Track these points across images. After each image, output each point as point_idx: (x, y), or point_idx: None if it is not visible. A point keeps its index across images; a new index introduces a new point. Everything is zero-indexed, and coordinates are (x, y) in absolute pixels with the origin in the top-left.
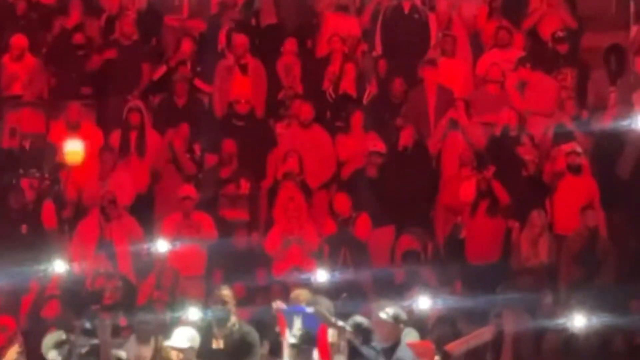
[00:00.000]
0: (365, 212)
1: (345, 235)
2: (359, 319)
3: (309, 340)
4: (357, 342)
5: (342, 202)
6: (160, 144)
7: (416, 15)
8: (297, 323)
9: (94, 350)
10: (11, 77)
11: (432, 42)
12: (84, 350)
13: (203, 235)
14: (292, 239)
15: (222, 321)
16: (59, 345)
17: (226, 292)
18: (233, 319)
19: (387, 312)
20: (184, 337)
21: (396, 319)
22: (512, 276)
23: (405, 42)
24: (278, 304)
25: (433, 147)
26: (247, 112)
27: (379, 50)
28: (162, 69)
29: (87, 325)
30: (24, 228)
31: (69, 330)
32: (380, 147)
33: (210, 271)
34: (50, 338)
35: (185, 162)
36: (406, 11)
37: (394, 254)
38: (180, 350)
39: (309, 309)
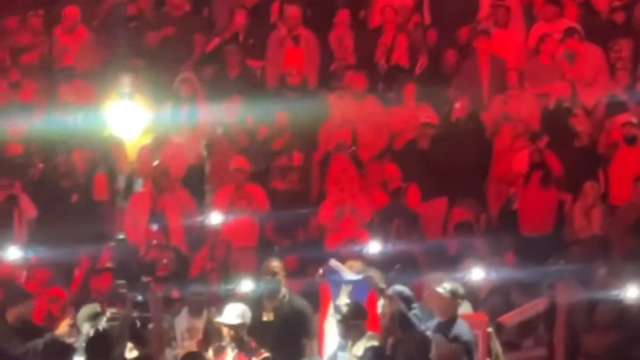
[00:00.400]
0: (414, 183)
1: (396, 206)
2: (399, 287)
3: (358, 314)
4: (405, 310)
5: (392, 172)
6: (212, 115)
7: None
8: (344, 295)
9: (145, 323)
10: (64, 49)
11: (484, 12)
12: (137, 323)
13: (255, 207)
14: (345, 209)
15: (272, 293)
16: (93, 317)
17: (276, 263)
18: (283, 290)
19: (444, 287)
20: (234, 314)
21: (453, 294)
22: (565, 247)
23: (454, 12)
24: (331, 265)
25: (489, 119)
26: (299, 84)
27: (428, 19)
28: (215, 41)
29: (139, 298)
30: (74, 199)
31: (121, 302)
32: (433, 118)
33: (262, 242)
34: (85, 310)
35: (237, 134)
36: None
37: (446, 226)
38: (231, 326)
39: (360, 276)
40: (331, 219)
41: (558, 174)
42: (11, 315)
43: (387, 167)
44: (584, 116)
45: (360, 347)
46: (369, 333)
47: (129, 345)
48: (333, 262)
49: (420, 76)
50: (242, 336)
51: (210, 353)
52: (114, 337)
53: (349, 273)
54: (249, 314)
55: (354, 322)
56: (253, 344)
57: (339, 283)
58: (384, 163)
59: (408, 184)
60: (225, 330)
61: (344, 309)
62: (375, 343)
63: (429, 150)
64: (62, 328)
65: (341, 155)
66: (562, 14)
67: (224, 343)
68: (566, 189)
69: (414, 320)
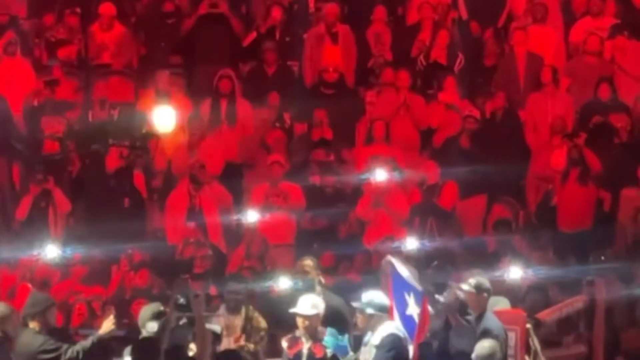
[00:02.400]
0: (452, 179)
1: (429, 204)
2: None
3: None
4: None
5: (431, 169)
6: (250, 113)
7: None
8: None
9: (189, 323)
10: (100, 47)
11: (522, 8)
12: (181, 322)
13: (291, 204)
14: (382, 200)
15: (306, 291)
16: (156, 316)
17: (307, 262)
18: (318, 288)
19: (469, 282)
20: (309, 304)
21: (478, 288)
22: (605, 244)
23: (489, 6)
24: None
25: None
26: (337, 81)
27: (464, 14)
28: (252, 35)
29: (182, 300)
30: (115, 198)
31: (160, 299)
32: (476, 112)
33: (300, 240)
34: (148, 309)
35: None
36: None
37: (486, 223)
38: (305, 317)
39: (420, 287)
40: (368, 210)
41: (597, 171)
42: (34, 325)
43: (426, 164)
44: (624, 113)
45: (377, 337)
46: (388, 321)
47: None
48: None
49: (459, 73)
50: (317, 326)
51: (284, 344)
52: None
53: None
54: (322, 305)
55: (375, 313)
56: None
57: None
58: (422, 160)
59: (445, 182)
60: (299, 321)
61: (364, 298)
62: (393, 330)
63: (469, 147)
64: (106, 327)
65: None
66: (604, 10)
67: (297, 334)
68: (605, 186)
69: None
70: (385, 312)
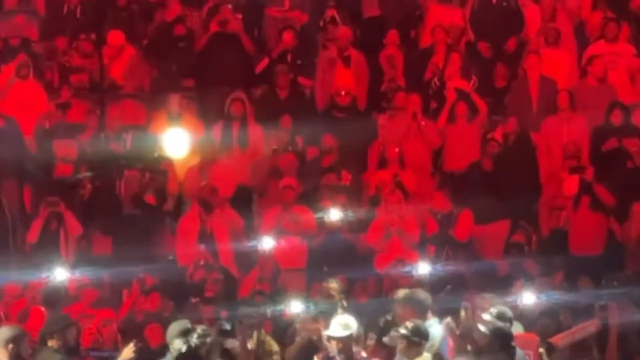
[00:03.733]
0: (467, 208)
1: (445, 235)
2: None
3: (420, 333)
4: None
5: (440, 200)
6: (262, 136)
7: (504, 3)
8: None
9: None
10: (112, 69)
11: (532, 31)
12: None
13: (302, 228)
14: (393, 231)
15: (328, 314)
16: (184, 333)
17: (333, 285)
18: (340, 312)
19: (490, 312)
20: (341, 325)
21: (501, 318)
22: (618, 268)
23: (498, 32)
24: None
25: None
26: (349, 104)
27: (471, 36)
28: (265, 62)
29: (226, 326)
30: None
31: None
32: (499, 135)
33: (312, 264)
34: (175, 326)
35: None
36: (494, 1)
37: (499, 247)
38: (339, 339)
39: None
40: (379, 241)
41: (609, 205)
42: (53, 343)
43: (436, 196)
44: (637, 137)
45: None
46: (426, 354)
47: None
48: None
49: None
50: (351, 347)
51: None
52: (204, 353)
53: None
54: (355, 325)
55: (417, 340)
56: (362, 354)
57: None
58: (433, 189)
59: (460, 210)
60: (333, 343)
61: (409, 325)
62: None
63: (492, 171)
64: (126, 354)
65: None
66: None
67: (331, 354)
68: (617, 213)
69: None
70: (427, 339)
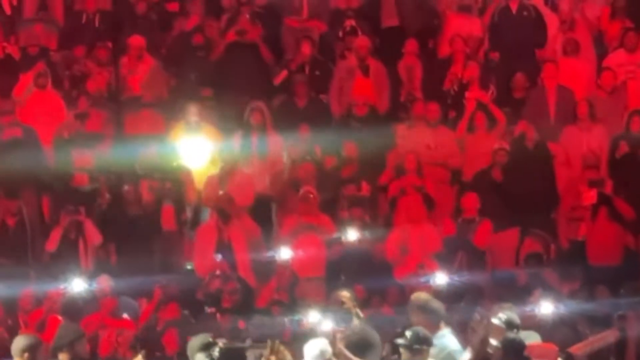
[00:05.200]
0: (488, 218)
1: (463, 240)
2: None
3: (419, 339)
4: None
5: (471, 201)
6: (281, 145)
7: (525, 13)
8: None
9: None
10: (130, 79)
11: (552, 41)
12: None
13: (321, 230)
14: (410, 245)
15: (344, 324)
16: (205, 348)
17: (345, 293)
18: (356, 321)
19: (499, 317)
20: (311, 355)
21: (509, 324)
22: (637, 278)
23: (520, 42)
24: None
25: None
26: (367, 114)
27: (493, 52)
28: (283, 74)
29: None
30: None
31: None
32: (506, 144)
33: (330, 274)
34: (197, 340)
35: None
36: (514, 11)
37: (518, 257)
38: None
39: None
40: (397, 255)
41: (629, 218)
42: (63, 357)
43: (467, 195)
44: None
45: None
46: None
47: None
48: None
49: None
50: None
51: None
52: None
53: None
54: (329, 351)
55: (419, 347)
56: None
57: None
58: (454, 191)
59: (482, 219)
60: None
61: (408, 334)
62: None
63: (501, 180)
64: None
65: (410, 189)
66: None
67: None
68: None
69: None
70: (430, 345)
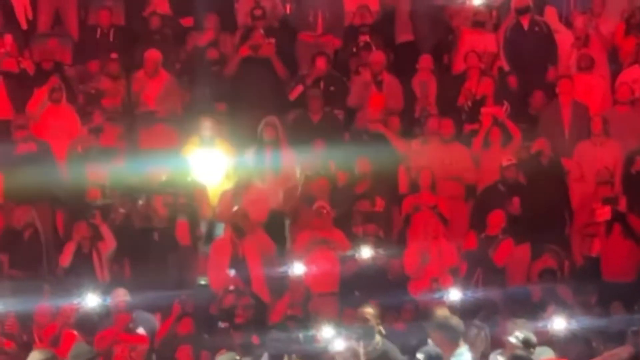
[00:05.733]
0: (511, 237)
1: (483, 256)
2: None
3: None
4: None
5: (497, 219)
6: (295, 161)
7: (537, 29)
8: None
9: None
10: (145, 93)
11: (566, 57)
12: None
13: (335, 245)
14: (429, 256)
15: (366, 339)
16: None
17: (369, 309)
18: (378, 338)
19: (516, 335)
20: None
21: (526, 343)
22: None
23: (532, 58)
24: None
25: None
26: (381, 130)
27: (506, 67)
28: (299, 89)
29: None
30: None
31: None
32: (513, 160)
33: (344, 289)
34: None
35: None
36: (526, 28)
37: (530, 272)
38: None
39: None
40: (416, 268)
41: None
42: None
43: (494, 214)
44: None
45: None
46: None
47: None
48: None
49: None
50: None
51: None
52: None
53: None
54: None
55: None
56: None
57: None
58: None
59: (504, 237)
60: None
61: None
62: None
63: (511, 194)
64: None
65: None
66: None
67: None
68: None
69: None
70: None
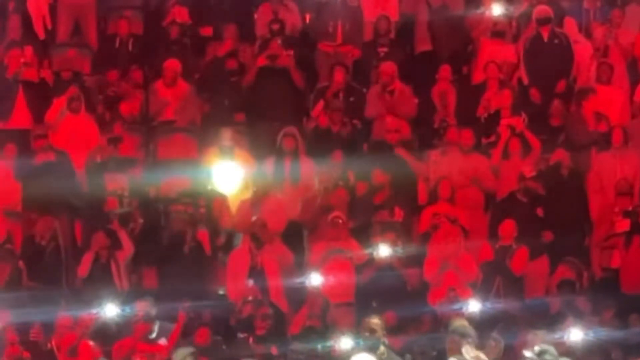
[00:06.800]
0: (525, 246)
1: (500, 265)
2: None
3: None
4: None
5: (508, 228)
6: (314, 171)
7: (556, 41)
8: None
9: None
10: (164, 103)
11: (586, 68)
12: None
13: (353, 261)
14: (449, 264)
15: (371, 350)
16: None
17: (375, 320)
18: (382, 348)
19: (534, 349)
20: None
21: (541, 356)
22: None
23: (551, 70)
24: None
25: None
26: (399, 140)
27: (525, 79)
28: (320, 104)
29: None
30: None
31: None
32: (531, 171)
33: (362, 300)
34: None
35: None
36: (545, 39)
37: (549, 284)
38: None
39: None
40: (435, 275)
41: None
42: None
43: (505, 222)
44: None
45: None
46: None
47: None
48: None
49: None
50: None
51: None
52: None
53: None
54: None
55: None
56: None
57: None
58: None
59: (519, 246)
60: None
61: None
62: None
63: (531, 206)
64: None
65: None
66: None
67: None
68: None
69: None
70: None
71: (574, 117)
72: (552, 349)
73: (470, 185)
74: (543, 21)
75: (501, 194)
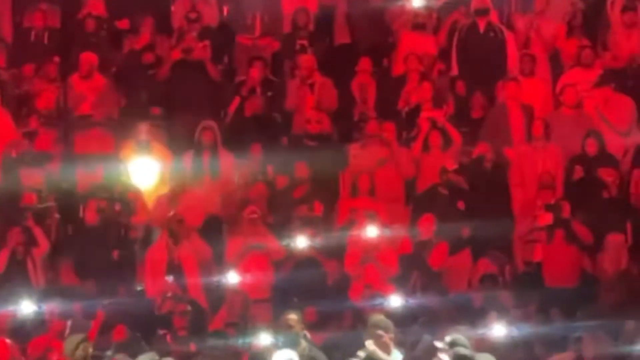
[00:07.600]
0: (445, 241)
1: (418, 259)
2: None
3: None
4: None
5: (427, 223)
6: (233, 165)
7: (492, 34)
8: None
9: None
10: (80, 97)
11: (511, 60)
12: None
13: (270, 257)
14: (369, 257)
15: (292, 346)
16: None
17: (292, 316)
18: (304, 344)
19: (445, 340)
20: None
21: (452, 345)
22: (593, 300)
23: (482, 62)
24: None
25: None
26: (319, 132)
27: (455, 70)
28: (236, 101)
29: None
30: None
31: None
32: (452, 165)
33: (279, 294)
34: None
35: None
36: (481, 30)
37: (471, 278)
38: None
39: None
40: (356, 266)
41: (586, 241)
42: None
43: (424, 217)
44: (612, 166)
45: None
46: None
47: None
48: None
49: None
50: None
51: None
52: None
53: None
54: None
55: None
56: None
57: None
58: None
59: (438, 241)
60: None
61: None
62: None
63: (452, 198)
64: None
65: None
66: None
67: None
68: (592, 243)
69: None
70: None
71: (496, 110)
72: (462, 339)
73: (390, 178)
74: (481, 12)
75: (422, 187)
